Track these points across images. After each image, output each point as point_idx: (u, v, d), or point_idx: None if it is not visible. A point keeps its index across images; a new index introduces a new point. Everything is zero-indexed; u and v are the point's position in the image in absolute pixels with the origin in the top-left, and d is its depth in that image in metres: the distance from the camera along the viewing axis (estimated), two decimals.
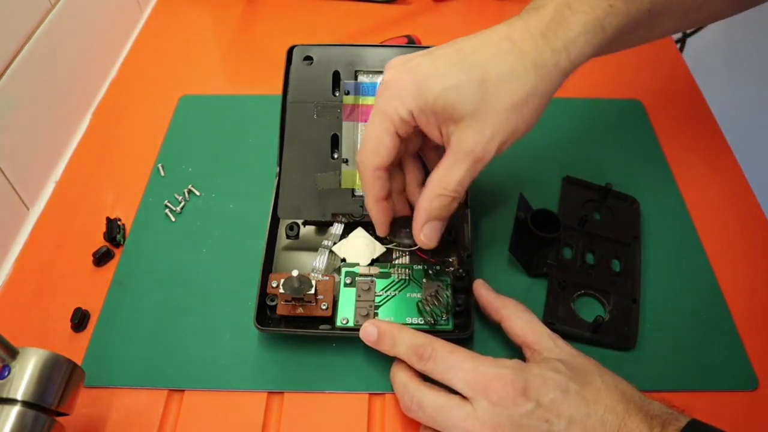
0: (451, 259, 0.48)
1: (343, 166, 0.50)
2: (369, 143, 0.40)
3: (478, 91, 0.37)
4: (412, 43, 0.68)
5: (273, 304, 0.45)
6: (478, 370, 0.37)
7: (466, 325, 0.44)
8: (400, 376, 0.40)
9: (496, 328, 0.46)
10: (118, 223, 0.53)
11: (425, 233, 0.42)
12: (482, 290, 0.45)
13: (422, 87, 0.37)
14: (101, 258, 0.51)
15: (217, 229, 0.53)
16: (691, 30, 0.89)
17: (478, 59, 0.37)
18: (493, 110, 0.37)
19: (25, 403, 0.35)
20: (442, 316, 0.44)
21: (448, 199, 0.40)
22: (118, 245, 0.52)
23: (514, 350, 0.43)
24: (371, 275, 0.47)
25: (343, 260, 0.48)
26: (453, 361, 0.38)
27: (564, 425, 0.35)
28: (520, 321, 0.42)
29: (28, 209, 0.56)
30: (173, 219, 0.54)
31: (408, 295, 0.46)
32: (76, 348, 0.46)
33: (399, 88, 0.38)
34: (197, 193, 0.56)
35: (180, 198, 0.55)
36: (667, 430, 0.34)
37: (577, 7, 0.39)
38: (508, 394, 0.35)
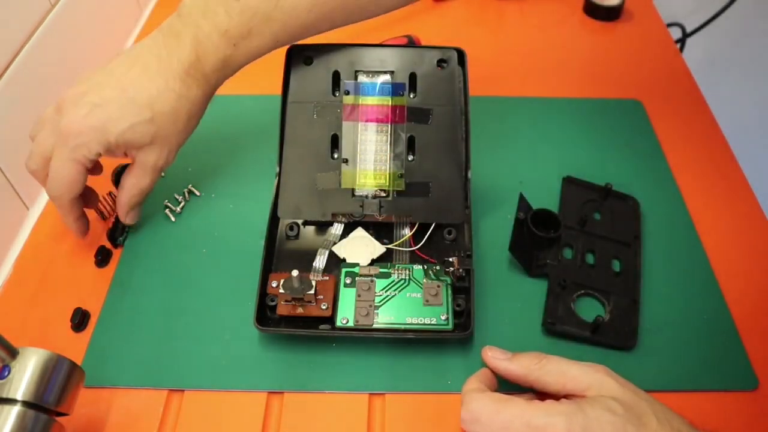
0: (451, 259, 0.48)
1: (343, 166, 0.50)
2: (63, 182, 0.46)
3: (150, 127, 0.46)
4: (412, 43, 0.68)
5: (273, 304, 0.45)
6: (530, 424, 0.35)
7: (466, 325, 0.44)
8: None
9: (496, 328, 0.47)
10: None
11: (131, 217, 0.51)
12: (491, 361, 0.41)
13: (104, 133, 0.45)
14: (103, 258, 0.51)
15: (217, 229, 0.53)
16: (691, 30, 0.89)
17: (144, 99, 0.45)
18: (165, 138, 0.47)
19: (25, 403, 0.35)
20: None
21: (142, 197, 0.50)
22: (117, 246, 0.52)
23: (516, 349, 0.42)
24: (371, 275, 0.47)
25: (343, 260, 0.48)
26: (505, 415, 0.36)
27: None
28: (550, 376, 0.39)
29: (28, 209, 0.56)
30: (173, 219, 0.54)
31: (408, 295, 0.46)
32: (76, 348, 0.46)
33: (82, 138, 0.44)
34: (197, 193, 0.56)
35: (180, 198, 0.55)
36: None
37: (205, 41, 0.46)
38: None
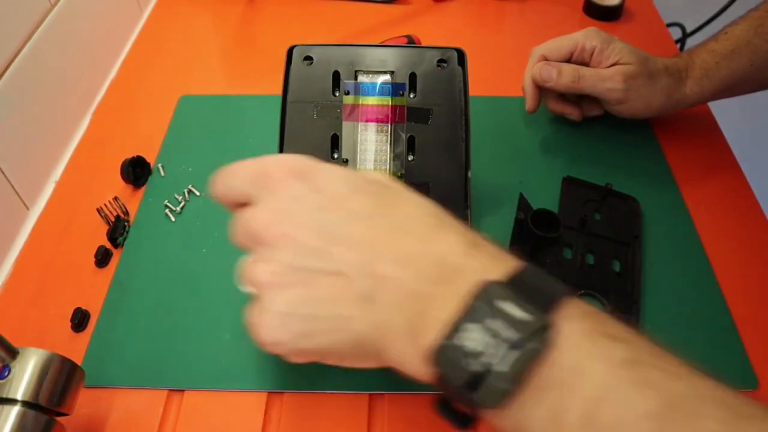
0: None
1: (344, 166, 0.50)
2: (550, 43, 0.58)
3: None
4: (412, 43, 0.68)
5: None
6: (259, 162, 0.32)
7: None
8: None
9: None
10: (125, 224, 0.53)
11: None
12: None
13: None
14: (103, 258, 0.51)
15: (217, 229, 0.53)
16: (691, 30, 0.89)
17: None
18: None
19: (25, 403, 0.35)
20: None
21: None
22: (117, 246, 0.52)
23: None
24: None
25: None
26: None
27: (344, 216, 0.29)
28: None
29: (28, 209, 0.56)
30: (173, 219, 0.54)
31: None
32: (76, 348, 0.46)
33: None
34: (197, 193, 0.56)
35: (180, 198, 0.55)
36: (482, 248, 0.29)
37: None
38: (284, 176, 0.31)
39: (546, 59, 0.57)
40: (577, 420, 0.24)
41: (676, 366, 0.26)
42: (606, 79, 0.55)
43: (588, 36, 0.56)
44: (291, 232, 0.30)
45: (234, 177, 0.34)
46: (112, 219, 0.53)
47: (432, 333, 0.26)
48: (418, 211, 0.30)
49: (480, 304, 0.25)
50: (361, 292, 0.28)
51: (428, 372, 0.27)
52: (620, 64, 0.55)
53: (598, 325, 0.26)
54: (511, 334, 0.25)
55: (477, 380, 0.25)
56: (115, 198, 0.55)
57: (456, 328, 0.25)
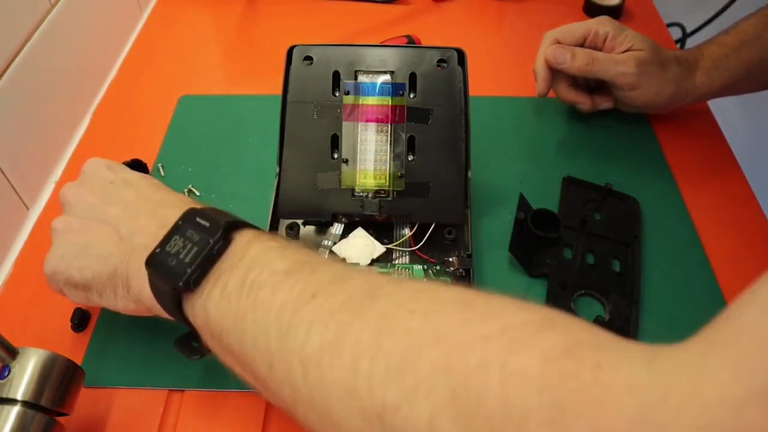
0: (451, 259, 0.48)
1: (343, 166, 0.50)
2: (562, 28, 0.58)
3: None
4: (412, 43, 0.68)
5: None
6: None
7: None
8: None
9: None
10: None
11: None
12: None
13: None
14: None
15: None
16: (691, 30, 0.89)
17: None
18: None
19: (25, 403, 0.35)
20: None
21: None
22: None
23: None
24: None
25: (343, 260, 0.48)
26: None
27: (123, 188, 0.42)
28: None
29: (28, 209, 0.56)
30: None
31: None
32: (76, 348, 0.46)
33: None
34: (197, 193, 0.56)
35: None
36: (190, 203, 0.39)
37: None
38: (98, 167, 0.44)
39: (559, 43, 0.58)
40: (235, 286, 0.32)
41: (319, 262, 0.33)
42: (619, 63, 0.55)
43: (601, 22, 0.57)
44: (84, 194, 0.42)
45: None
46: None
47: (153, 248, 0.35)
48: (164, 196, 0.41)
49: (182, 222, 0.35)
50: (120, 235, 0.39)
51: (148, 283, 0.35)
52: (633, 50, 0.55)
53: (264, 237, 0.35)
54: (197, 237, 0.34)
55: (171, 272, 0.33)
56: None
57: (165, 240, 0.35)
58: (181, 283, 0.33)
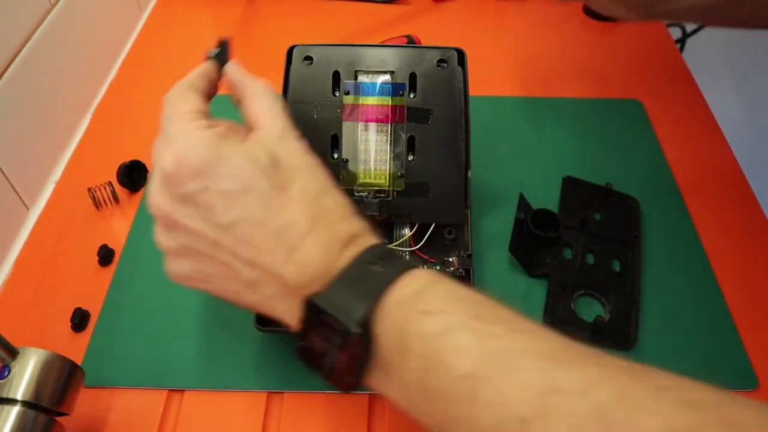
0: (451, 259, 0.48)
1: (343, 165, 0.50)
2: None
3: None
4: (412, 43, 0.68)
5: None
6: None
7: None
8: None
9: None
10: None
11: None
12: (231, 68, 0.40)
13: None
14: (105, 257, 0.51)
15: None
16: (691, 30, 0.89)
17: None
18: None
19: (25, 403, 0.35)
20: None
21: None
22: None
23: None
24: None
25: None
26: None
27: (227, 222, 0.31)
28: (262, 101, 0.36)
29: (28, 209, 0.56)
30: None
31: None
32: (76, 348, 0.46)
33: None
34: None
35: None
36: (346, 251, 0.32)
37: None
38: (179, 167, 0.32)
39: None
40: (412, 385, 0.28)
41: (492, 325, 0.28)
42: None
43: None
44: (184, 224, 0.32)
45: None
46: (103, 203, 0.55)
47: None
48: (296, 215, 0.32)
49: (306, 322, 0.31)
50: (245, 281, 0.32)
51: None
52: None
53: (412, 306, 0.29)
54: (334, 338, 0.29)
55: (321, 371, 0.31)
56: (108, 182, 0.55)
57: (300, 336, 0.31)
58: (332, 384, 0.31)
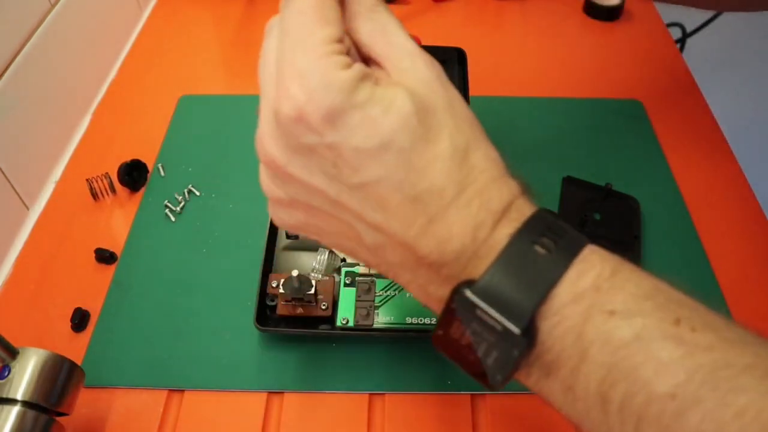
0: None
1: None
2: None
3: None
4: None
5: (273, 304, 0.45)
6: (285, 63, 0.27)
7: None
8: None
9: None
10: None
11: None
12: None
13: None
14: (105, 258, 0.51)
15: (217, 229, 0.53)
16: (691, 30, 0.89)
17: None
18: None
19: (25, 403, 0.35)
20: None
21: None
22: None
23: None
24: (371, 275, 0.47)
25: (343, 260, 0.48)
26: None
27: (355, 182, 0.26)
28: (370, 24, 0.30)
29: (28, 209, 0.56)
30: (173, 219, 0.54)
31: (408, 295, 0.46)
32: (76, 348, 0.46)
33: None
34: (197, 193, 0.56)
35: (180, 198, 0.55)
36: (500, 226, 0.26)
37: None
38: (306, 114, 0.26)
39: None
40: (588, 390, 0.24)
41: (699, 333, 0.24)
42: None
43: None
44: (301, 179, 0.27)
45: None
46: (102, 193, 0.55)
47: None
48: (439, 179, 0.26)
49: (458, 311, 0.25)
50: (367, 245, 0.28)
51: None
52: None
53: (593, 303, 0.24)
54: (492, 339, 0.25)
55: (475, 374, 0.26)
56: (105, 173, 0.55)
57: (443, 325, 0.26)
58: (477, 380, 0.26)
